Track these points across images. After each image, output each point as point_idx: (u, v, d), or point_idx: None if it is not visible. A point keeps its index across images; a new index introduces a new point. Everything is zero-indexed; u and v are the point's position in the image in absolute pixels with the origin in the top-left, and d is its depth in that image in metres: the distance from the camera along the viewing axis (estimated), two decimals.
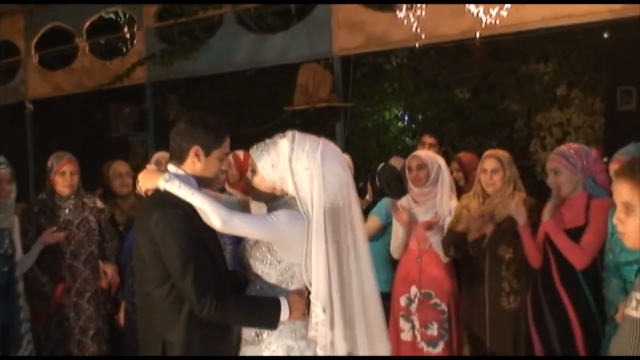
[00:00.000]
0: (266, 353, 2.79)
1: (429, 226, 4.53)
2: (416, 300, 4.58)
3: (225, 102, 10.51)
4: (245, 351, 2.85)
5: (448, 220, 4.57)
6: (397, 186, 5.04)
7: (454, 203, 4.63)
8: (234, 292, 2.79)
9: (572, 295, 3.81)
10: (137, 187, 2.93)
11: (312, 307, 2.74)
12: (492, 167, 4.34)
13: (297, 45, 7.66)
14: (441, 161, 4.72)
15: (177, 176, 2.74)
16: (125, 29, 9.65)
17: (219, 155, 2.82)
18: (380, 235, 4.90)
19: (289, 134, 2.82)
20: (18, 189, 4.37)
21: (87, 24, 9.57)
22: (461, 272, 4.60)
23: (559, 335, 3.86)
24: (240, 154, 4.71)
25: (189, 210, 2.67)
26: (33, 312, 4.54)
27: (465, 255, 4.40)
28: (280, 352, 2.78)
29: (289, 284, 2.81)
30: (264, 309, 2.72)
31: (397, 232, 4.70)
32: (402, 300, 4.64)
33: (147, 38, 8.89)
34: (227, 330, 2.85)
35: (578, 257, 3.76)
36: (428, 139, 5.70)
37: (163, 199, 2.70)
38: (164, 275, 2.67)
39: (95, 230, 4.73)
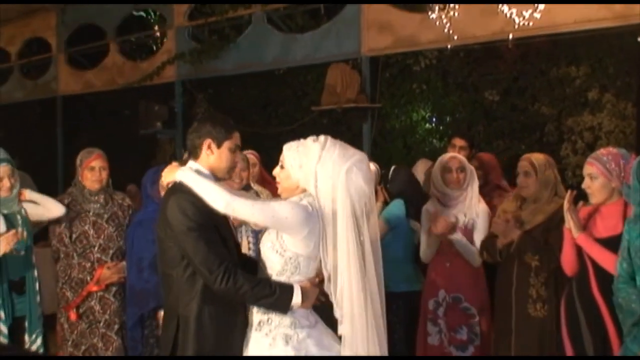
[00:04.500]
0: (265, 340, 2.90)
1: (451, 229, 4.50)
2: (444, 304, 4.54)
3: (253, 101, 10.54)
4: (249, 336, 2.96)
5: (478, 223, 4.53)
6: (410, 190, 5.00)
7: (482, 206, 4.59)
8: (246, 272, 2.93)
9: (610, 303, 3.71)
10: (161, 181, 3.23)
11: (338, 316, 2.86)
12: (525, 169, 4.27)
13: (325, 45, 7.65)
14: (470, 165, 4.71)
15: (192, 169, 3.00)
16: (156, 28, 9.72)
17: (230, 146, 3.05)
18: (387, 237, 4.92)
19: (322, 138, 2.94)
20: (47, 182, 4.43)
21: (118, 22, 9.66)
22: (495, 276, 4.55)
23: (594, 344, 3.76)
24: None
25: (200, 197, 2.91)
26: (62, 301, 4.63)
27: (495, 260, 4.34)
28: (278, 340, 2.88)
29: (292, 274, 2.92)
30: (277, 291, 2.86)
31: (426, 237, 4.66)
32: (430, 304, 4.60)
33: (178, 37, 8.95)
34: (237, 308, 2.97)
35: (616, 267, 3.66)
36: (459, 142, 5.64)
37: (177, 187, 2.97)
38: (179, 255, 2.90)
39: (124, 225, 4.76)
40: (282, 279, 2.92)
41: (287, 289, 2.86)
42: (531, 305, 4.18)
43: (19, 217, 4.34)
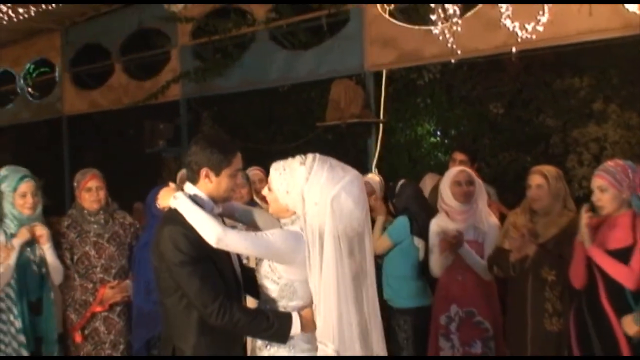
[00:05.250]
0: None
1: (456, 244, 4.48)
2: (457, 318, 4.52)
3: (258, 118, 10.56)
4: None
5: (488, 237, 4.52)
6: (415, 205, 4.99)
7: (492, 220, 4.57)
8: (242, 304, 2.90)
9: (620, 315, 3.68)
10: (157, 204, 3.14)
11: (318, 344, 2.78)
12: (537, 182, 4.23)
13: (329, 61, 7.67)
14: (478, 178, 4.70)
15: (188, 195, 2.90)
16: (160, 47, 9.77)
17: (230, 173, 2.94)
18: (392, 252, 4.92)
19: (309, 160, 2.83)
20: (54, 203, 4.42)
21: (123, 41, 9.71)
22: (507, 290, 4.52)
23: (605, 355, 3.73)
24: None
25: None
26: (66, 324, 4.60)
27: (508, 274, 4.31)
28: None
29: (290, 300, 2.87)
30: (275, 323, 2.80)
31: (435, 252, 4.64)
32: (442, 319, 4.58)
33: (182, 55, 8.98)
34: (236, 338, 2.96)
35: (628, 278, 3.62)
36: (459, 156, 5.63)
37: (171, 216, 2.88)
38: (174, 285, 2.83)
39: (125, 244, 4.75)
40: (281, 304, 2.87)
41: (286, 320, 2.81)
42: (547, 320, 4.14)
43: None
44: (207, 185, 2.92)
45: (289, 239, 2.80)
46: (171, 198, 2.90)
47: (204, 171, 2.90)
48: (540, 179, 4.22)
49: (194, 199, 2.89)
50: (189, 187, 2.96)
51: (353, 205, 2.77)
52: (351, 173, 2.83)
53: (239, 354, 2.95)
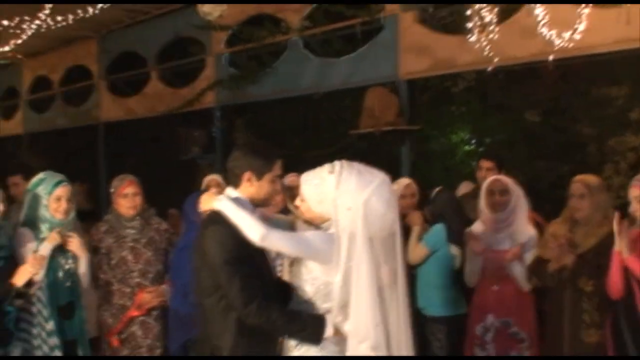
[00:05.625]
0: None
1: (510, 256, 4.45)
2: (492, 329, 4.48)
3: (292, 125, 10.58)
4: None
5: (527, 248, 4.47)
6: (450, 212, 4.96)
7: (531, 230, 4.52)
8: (281, 305, 2.95)
9: None
10: (198, 208, 3.24)
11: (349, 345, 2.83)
12: (580, 192, 4.18)
13: (362, 69, 7.66)
14: (520, 188, 4.63)
15: (231, 198, 3.01)
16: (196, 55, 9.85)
17: (271, 178, 3.06)
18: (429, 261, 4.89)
19: (337, 168, 2.92)
20: (91, 209, 4.47)
21: (159, 49, 9.81)
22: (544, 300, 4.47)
23: None
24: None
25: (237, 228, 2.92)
26: (103, 328, 4.68)
27: (546, 284, 4.27)
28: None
29: (324, 301, 2.93)
30: (309, 323, 2.88)
31: (471, 259, 4.61)
32: (478, 329, 4.54)
33: (217, 63, 9.05)
34: (272, 339, 3.01)
35: None
36: (485, 164, 5.59)
37: (215, 217, 2.97)
38: (214, 285, 2.92)
39: (161, 250, 4.80)
40: (315, 306, 2.93)
41: (319, 322, 2.88)
42: (584, 332, 4.08)
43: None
44: (249, 189, 3.04)
45: (328, 240, 2.87)
46: (214, 201, 2.99)
47: (246, 175, 3.02)
48: (583, 189, 4.16)
49: (237, 201, 2.98)
50: (230, 191, 3.07)
51: (384, 207, 2.86)
52: (379, 177, 2.93)
53: (274, 354, 3.00)
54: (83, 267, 4.33)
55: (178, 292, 4.48)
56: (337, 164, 2.94)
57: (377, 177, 2.91)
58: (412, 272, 4.84)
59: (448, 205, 5.01)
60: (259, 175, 3.03)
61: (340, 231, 2.85)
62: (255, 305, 2.82)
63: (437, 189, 5.14)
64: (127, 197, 4.70)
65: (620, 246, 3.75)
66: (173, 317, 4.59)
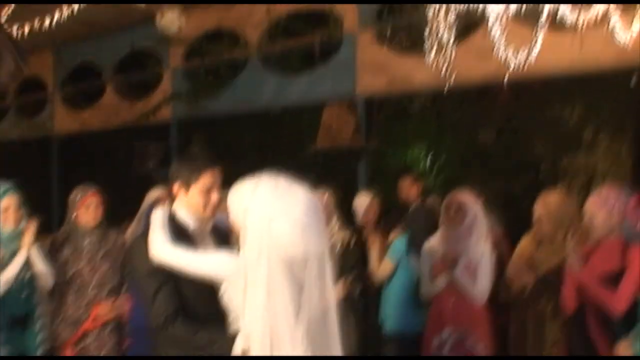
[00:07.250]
0: None
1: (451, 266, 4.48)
2: (449, 342, 4.50)
3: (249, 141, 10.55)
4: None
5: (482, 263, 4.50)
6: (415, 225, 5.01)
7: (488, 246, 4.57)
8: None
9: (609, 340, 3.68)
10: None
11: None
12: (538, 212, 4.25)
13: (320, 86, 7.69)
14: (478, 204, 4.66)
15: (166, 211, 2.94)
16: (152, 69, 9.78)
17: (200, 189, 2.90)
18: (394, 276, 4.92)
19: (256, 180, 2.64)
20: (41, 221, 4.39)
21: (116, 62, 9.70)
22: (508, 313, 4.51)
23: None
24: None
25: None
26: (57, 339, 4.58)
27: (507, 301, 4.31)
28: None
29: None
30: (217, 340, 2.68)
31: (426, 274, 4.64)
32: (434, 342, 4.56)
33: (174, 77, 8.98)
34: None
35: (616, 304, 3.64)
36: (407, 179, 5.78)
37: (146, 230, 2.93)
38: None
39: (119, 262, 4.74)
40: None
41: (230, 341, 2.61)
42: (548, 350, 4.13)
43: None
44: (183, 200, 2.96)
45: (233, 261, 2.67)
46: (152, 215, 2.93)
47: (175, 186, 2.95)
48: (541, 209, 4.23)
49: (162, 213, 2.90)
50: (175, 204, 3.00)
51: (290, 229, 2.52)
52: (298, 196, 2.59)
53: None
54: (39, 263, 4.24)
55: (137, 306, 4.42)
56: (259, 175, 2.64)
57: (294, 197, 2.57)
58: (377, 286, 4.88)
59: (416, 217, 5.06)
60: (186, 186, 2.92)
61: (246, 245, 2.57)
62: (162, 318, 2.74)
63: (415, 204, 5.23)
64: (88, 209, 4.64)
65: (571, 261, 3.82)
66: (133, 330, 4.53)
